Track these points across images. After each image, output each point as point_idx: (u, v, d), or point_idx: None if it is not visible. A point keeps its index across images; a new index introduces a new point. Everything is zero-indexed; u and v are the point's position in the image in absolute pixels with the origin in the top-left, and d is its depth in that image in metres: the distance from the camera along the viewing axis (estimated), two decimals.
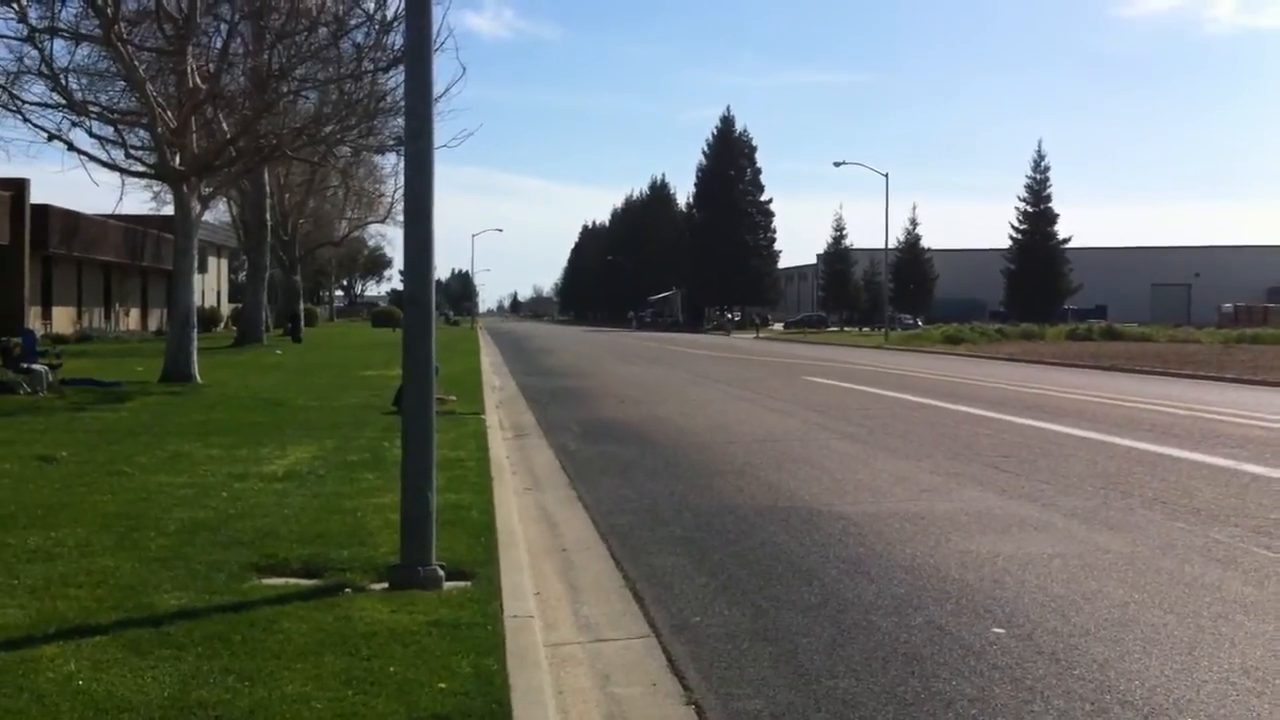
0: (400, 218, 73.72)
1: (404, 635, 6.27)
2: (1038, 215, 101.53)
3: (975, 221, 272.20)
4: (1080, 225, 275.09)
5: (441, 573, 7.54)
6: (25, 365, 21.61)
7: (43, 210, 44.94)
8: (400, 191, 70.21)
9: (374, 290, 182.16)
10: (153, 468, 12.40)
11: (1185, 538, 9.68)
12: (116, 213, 39.04)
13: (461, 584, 7.55)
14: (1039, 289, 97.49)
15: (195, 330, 26.81)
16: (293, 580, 7.59)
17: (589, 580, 8.65)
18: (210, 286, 76.41)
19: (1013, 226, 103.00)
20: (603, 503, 11.74)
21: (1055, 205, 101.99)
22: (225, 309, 79.90)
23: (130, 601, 6.86)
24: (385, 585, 7.43)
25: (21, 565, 7.76)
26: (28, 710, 5.07)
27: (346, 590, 7.25)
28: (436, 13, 7.78)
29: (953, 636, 6.85)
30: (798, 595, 7.92)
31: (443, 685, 5.50)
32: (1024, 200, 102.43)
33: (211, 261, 76.63)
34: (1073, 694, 5.83)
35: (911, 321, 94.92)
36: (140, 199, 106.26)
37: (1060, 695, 5.82)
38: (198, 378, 25.83)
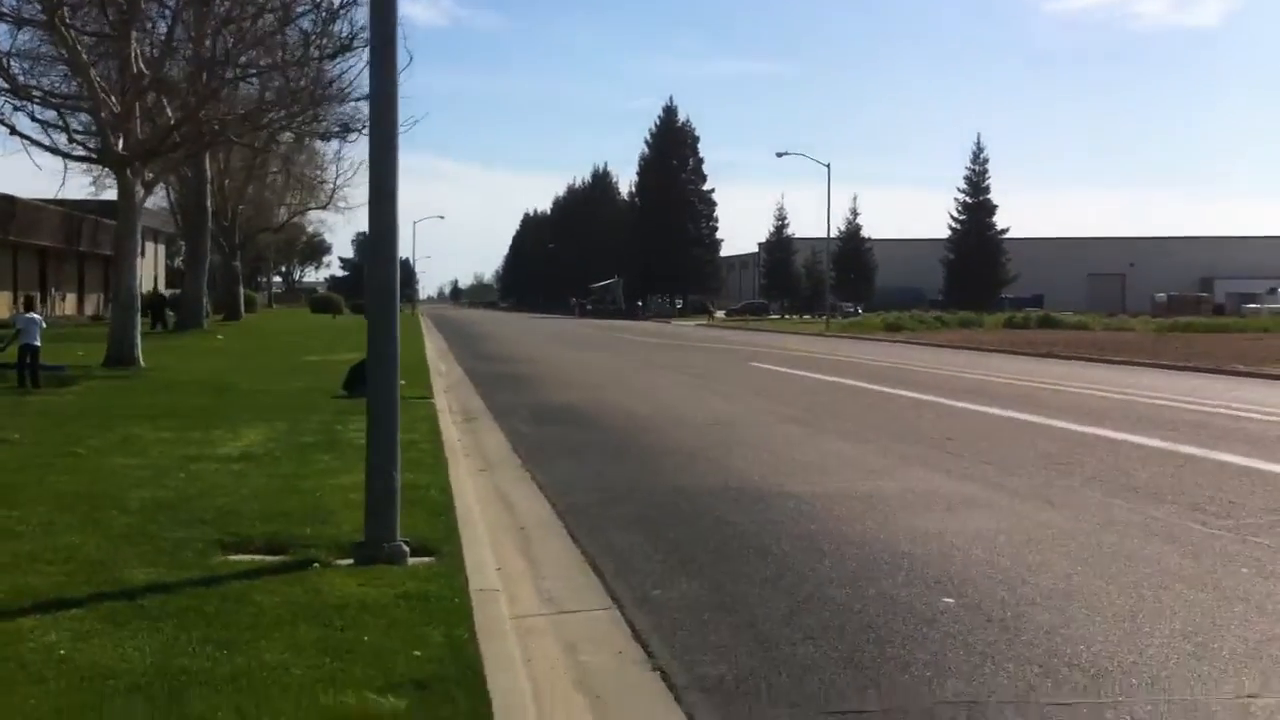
0: (341, 204, 73.42)
1: (374, 607, 6.41)
2: (976, 206, 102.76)
3: (915, 211, 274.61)
4: (1017, 215, 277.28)
5: (406, 549, 7.69)
6: None
7: None
8: (341, 179, 70.08)
9: (312, 276, 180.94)
10: (106, 450, 12.42)
11: (1124, 514, 10.00)
12: (51, 197, 38.59)
13: (425, 560, 7.70)
14: (977, 278, 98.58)
15: (139, 315, 26.67)
16: (258, 557, 7.71)
17: (549, 556, 8.81)
18: (147, 272, 75.53)
19: (952, 217, 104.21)
20: (557, 483, 11.88)
21: (993, 196, 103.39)
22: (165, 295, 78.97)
23: (101, 576, 6.96)
24: (350, 561, 7.56)
25: None
26: (14, 677, 5.18)
27: (315, 565, 7.39)
28: None
29: (905, 606, 7.10)
30: (754, 570, 8.13)
31: (417, 653, 5.66)
32: (963, 191, 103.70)
33: (148, 247, 75.77)
34: (1022, 658, 6.09)
35: (852, 310, 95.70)
36: (79, 183, 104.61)
37: (1010, 660, 6.07)
38: (141, 362, 25.68)
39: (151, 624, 6.01)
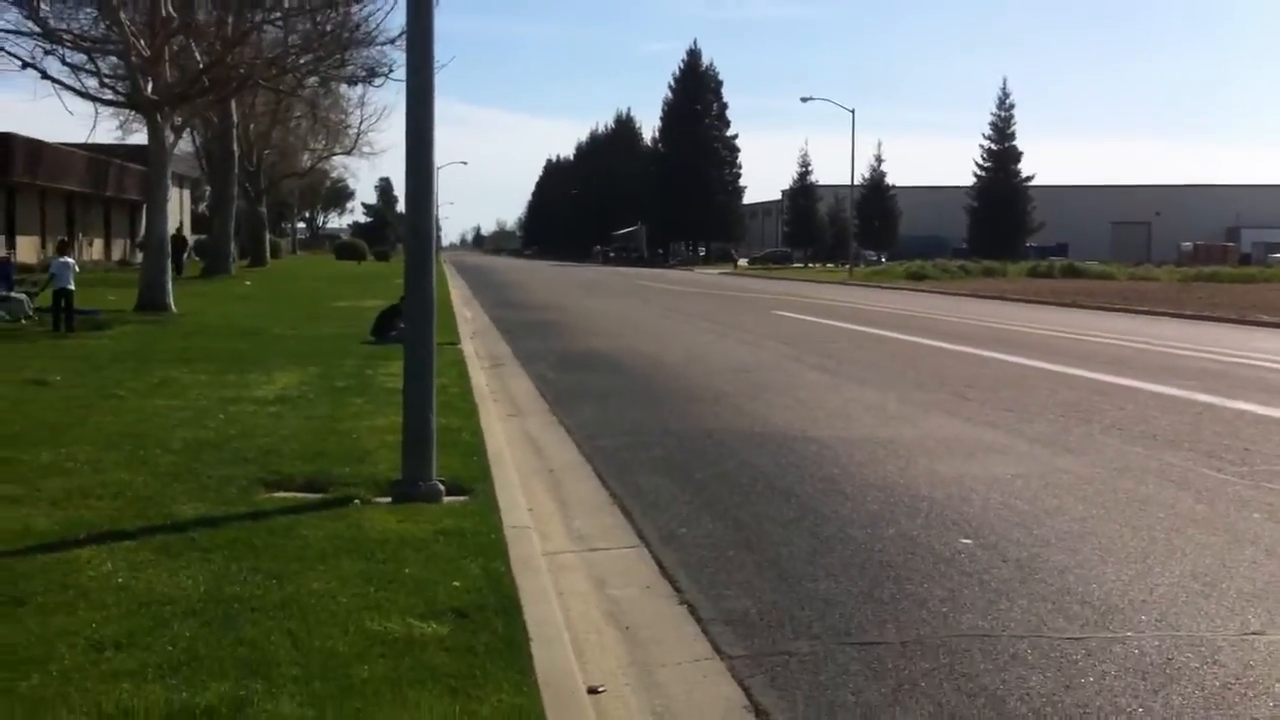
0: (365, 150, 73.62)
1: (414, 542, 6.69)
2: (1002, 153, 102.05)
3: (940, 158, 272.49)
4: (1042, 161, 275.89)
5: (442, 487, 7.97)
6: (3, 293, 21.69)
7: (5, 138, 44.57)
8: (365, 124, 70.28)
9: (335, 222, 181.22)
10: (145, 392, 12.74)
11: (1141, 461, 10.20)
12: (79, 142, 38.78)
13: (460, 499, 7.98)
14: (1002, 227, 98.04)
15: (169, 260, 26.98)
16: (300, 494, 8.00)
17: (577, 497, 9.09)
18: (172, 217, 75.85)
19: (977, 164, 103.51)
20: (584, 428, 12.14)
21: (1019, 143, 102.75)
22: (189, 239, 79.35)
23: (151, 510, 7.27)
24: (388, 499, 7.84)
25: (39, 479, 8.11)
26: (76, 604, 5.48)
27: (355, 502, 7.68)
28: None
29: (924, 546, 7.34)
30: (777, 511, 8.39)
31: (456, 584, 5.94)
32: (988, 138, 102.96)
33: (173, 192, 76.01)
34: (1036, 595, 6.34)
35: (875, 258, 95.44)
36: (105, 128, 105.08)
37: (1024, 596, 6.32)
38: (173, 307, 26.01)
39: (202, 555, 6.31)
